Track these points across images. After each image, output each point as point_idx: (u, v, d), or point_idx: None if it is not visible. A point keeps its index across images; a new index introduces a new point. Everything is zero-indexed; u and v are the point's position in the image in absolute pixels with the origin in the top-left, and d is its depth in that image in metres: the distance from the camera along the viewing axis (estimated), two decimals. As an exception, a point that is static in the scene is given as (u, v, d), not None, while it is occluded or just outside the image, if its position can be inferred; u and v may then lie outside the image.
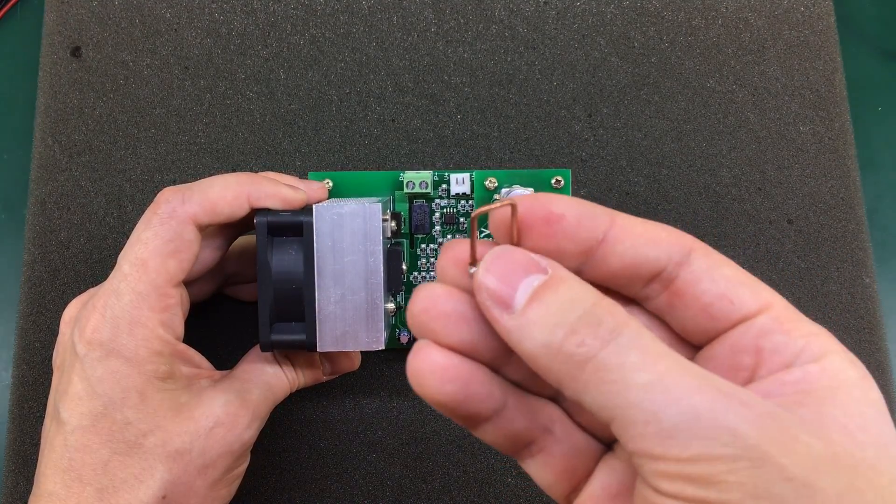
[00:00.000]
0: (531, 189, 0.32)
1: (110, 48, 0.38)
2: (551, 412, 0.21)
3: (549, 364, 0.18)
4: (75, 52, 0.38)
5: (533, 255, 0.19)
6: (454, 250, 0.20)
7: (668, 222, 0.38)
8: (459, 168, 0.36)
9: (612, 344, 0.17)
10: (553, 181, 0.33)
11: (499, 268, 0.19)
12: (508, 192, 0.33)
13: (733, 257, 0.36)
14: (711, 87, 0.38)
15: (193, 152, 0.37)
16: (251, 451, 0.31)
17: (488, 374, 0.20)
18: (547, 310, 0.18)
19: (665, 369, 0.17)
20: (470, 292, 0.19)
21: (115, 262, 0.28)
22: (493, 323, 0.19)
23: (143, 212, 0.28)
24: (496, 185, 0.33)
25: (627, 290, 0.20)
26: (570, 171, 0.34)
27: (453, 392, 0.19)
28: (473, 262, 0.20)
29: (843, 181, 0.37)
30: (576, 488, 0.21)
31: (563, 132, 0.37)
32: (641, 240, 0.19)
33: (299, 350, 0.30)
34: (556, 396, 0.22)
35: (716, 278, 0.19)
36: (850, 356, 0.19)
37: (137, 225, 0.28)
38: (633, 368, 0.17)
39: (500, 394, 0.20)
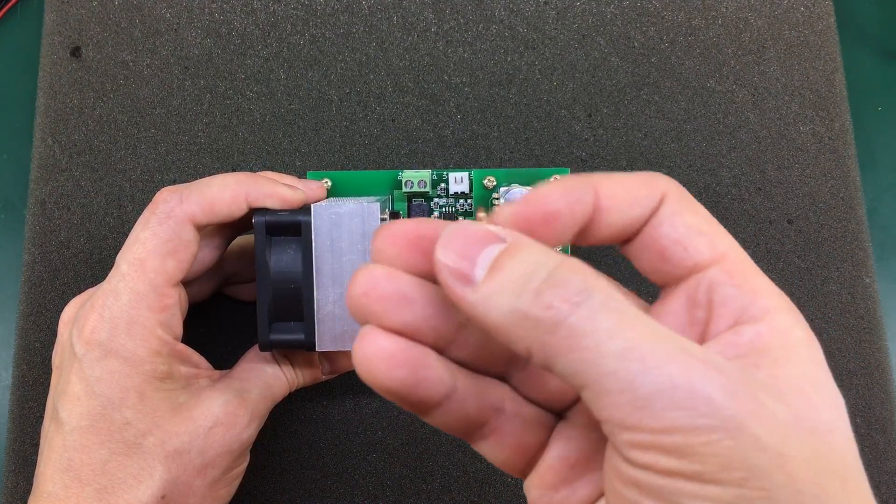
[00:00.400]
0: (530, 188, 0.32)
1: (110, 48, 0.38)
2: (501, 391, 0.21)
3: (518, 332, 0.17)
4: (75, 52, 0.38)
5: (489, 227, 0.18)
6: (391, 230, 0.19)
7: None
8: (459, 168, 0.36)
9: (583, 307, 0.17)
10: (552, 180, 0.33)
11: (455, 243, 0.18)
12: (507, 192, 0.33)
13: (733, 257, 0.36)
14: (711, 87, 0.38)
15: (193, 152, 0.37)
16: (251, 451, 0.31)
17: (436, 357, 0.19)
18: (509, 276, 0.17)
19: (639, 336, 0.16)
20: (411, 272, 0.19)
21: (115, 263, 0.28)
22: (457, 301, 0.18)
23: (143, 211, 0.28)
24: (495, 183, 0.33)
25: (609, 243, 0.20)
26: (569, 169, 0.34)
27: (403, 378, 0.18)
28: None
29: (843, 181, 0.37)
30: (530, 461, 0.21)
31: (562, 132, 0.37)
32: (626, 204, 0.19)
33: (298, 350, 0.30)
34: (503, 374, 0.21)
35: (676, 224, 0.19)
36: (796, 313, 0.19)
37: (135, 225, 0.28)
38: (606, 335, 0.16)
39: (450, 377, 0.19)
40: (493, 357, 0.20)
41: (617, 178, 0.19)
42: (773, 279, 0.39)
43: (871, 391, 0.35)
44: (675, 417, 0.16)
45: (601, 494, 0.20)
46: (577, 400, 0.21)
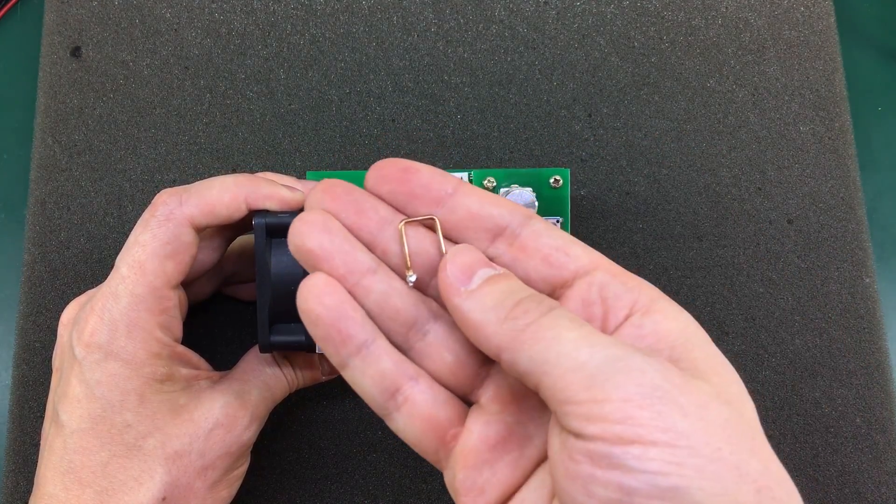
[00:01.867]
0: (529, 188, 0.32)
1: (110, 48, 0.38)
2: (415, 368, 0.24)
3: (495, 327, 0.21)
4: (75, 52, 0.38)
5: (486, 259, 0.23)
6: (324, 187, 0.24)
7: (668, 222, 0.38)
8: (459, 168, 0.36)
9: (550, 314, 0.21)
10: (551, 180, 0.33)
11: (461, 257, 0.23)
12: (507, 192, 0.33)
13: (733, 257, 0.36)
14: (711, 87, 0.38)
15: (193, 152, 0.37)
16: (251, 451, 0.31)
17: (363, 312, 0.23)
18: (498, 289, 0.22)
19: (588, 331, 0.21)
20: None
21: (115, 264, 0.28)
22: (447, 295, 0.22)
23: (142, 212, 0.28)
24: (494, 184, 0.33)
25: (477, 244, 0.24)
26: (569, 170, 0.34)
27: (329, 305, 0.23)
28: (409, 269, 0.24)
29: (843, 181, 0.37)
30: (443, 442, 0.24)
31: (562, 132, 0.37)
32: (486, 199, 0.24)
33: (298, 351, 0.30)
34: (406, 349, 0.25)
35: (553, 236, 0.23)
36: (672, 300, 0.23)
37: (135, 227, 0.28)
38: (565, 329, 0.20)
39: (371, 329, 0.23)
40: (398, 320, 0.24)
41: (481, 189, 0.24)
42: (773, 279, 0.39)
43: (871, 391, 0.35)
44: (616, 385, 0.19)
45: (519, 476, 0.23)
46: (479, 386, 0.24)
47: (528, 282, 0.23)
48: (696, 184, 0.37)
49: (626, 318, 0.22)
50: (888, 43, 0.42)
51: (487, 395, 0.24)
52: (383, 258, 0.24)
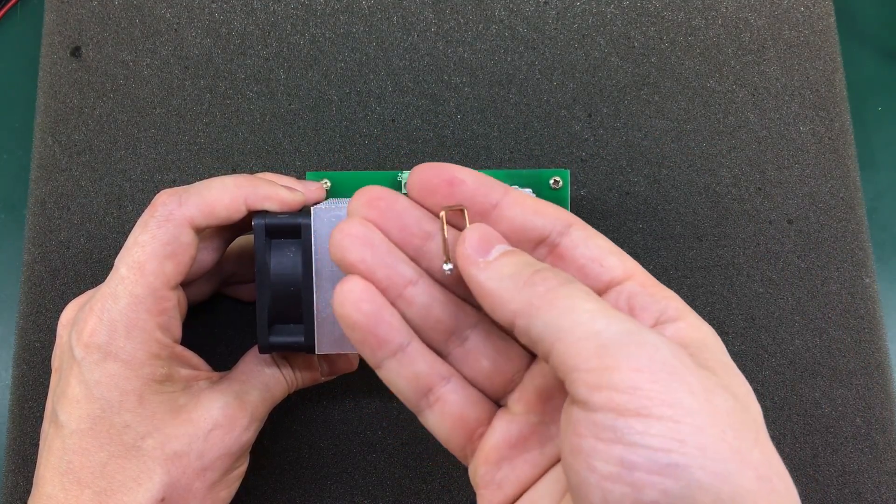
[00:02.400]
0: (529, 189, 0.32)
1: (110, 48, 0.38)
2: (448, 368, 0.25)
3: (512, 293, 0.21)
4: (75, 52, 0.38)
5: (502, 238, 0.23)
6: (364, 194, 0.24)
7: (668, 222, 0.38)
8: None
9: (568, 284, 0.21)
10: (551, 181, 0.33)
11: (480, 232, 0.23)
12: (508, 193, 0.33)
13: (733, 257, 0.36)
14: (711, 87, 0.38)
15: (193, 152, 0.37)
16: (250, 452, 0.31)
17: (398, 315, 0.24)
18: (516, 260, 0.22)
19: (605, 305, 0.21)
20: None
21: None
22: (465, 265, 0.22)
23: (142, 212, 0.28)
24: (496, 185, 0.33)
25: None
26: (569, 171, 0.34)
27: (367, 311, 0.23)
28: (448, 259, 0.24)
29: (843, 181, 0.37)
30: (471, 440, 0.24)
31: (562, 132, 0.37)
32: (530, 210, 0.24)
33: (298, 352, 0.30)
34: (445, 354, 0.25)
35: (590, 246, 0.23)
36: (698, 316, 0.23)
37: (134, 228, 0.28)
38: (581, 299, 0.21)
39: (406, 333, 0.24)
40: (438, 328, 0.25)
41: (528, 194, 0.24)
42: (773, 279, 0.39)
43: (871, 391, 0.35)
44: (629, 355, 0.19)
45: (537, 474, 0.23)
46: (511, 390, 0.25)
47: None
48: (696, 184, 0.37)
49: (652, 327, 0.22)
50: (888, 43, 0.42)
51: (514, 398, 0.25)
52: (428, 270, 0.24)
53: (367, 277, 0.23)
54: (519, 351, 0.25)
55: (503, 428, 0.24)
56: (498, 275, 0.22)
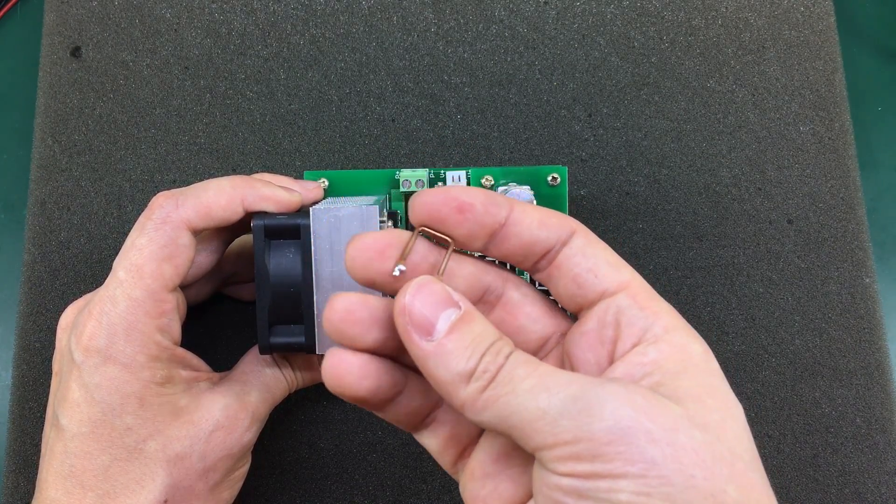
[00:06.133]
0: (527, 187, 0.32)
1: (110, 48, 0.38)
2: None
3: (456, 390, 0.21)
4: (75, 52, 0.38)
5: (448, 290, 0.22)
6: (364, 241, 0.23)
7: (668, 222, 0.38)
8: (459, 168, 0.36)
9: (506, 365, 0.21)
10: (549, 178, 0.33)
11: (424, 297, 0.22)
12: (505, 191, 0.32)
13: (733, 257, 0.36)
14: (711, 87, 0.38)
15: (193, 152, 0.37)
16: (251, 452, 0.31)
17: (392, 365, 0.23)
18: (463, 342, 0.21)
19: (543, 372, 0.21)
20: (380, 284, 0.23)
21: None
22: (410, 346, 0.21)
23: (139, 216, 0.28)
24: (492, 182, 0.33)
25: (522, 265, 0.24)
26: (567, 168, 0.34)
27: (368, 386, 0.22)
28: (402, 261, 0.23)
29: (843, 181, 0.37)
30: (461, 455, 0.24)
31: (562, 132, 0.37)
32: (535, 223, 0.23)
33: (298, 352, 0.30)
34: None
35: (587, 255, 0.23)
36: (692, 330, 0.22)
37: (132, 230, 0.28)
38: (520, 379, 0.20)
39: (402, 378, 0.23)
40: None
41: (531, 205, 0.24)
42: (773, 279, 0.39)
43: (871, 391, 0.35)
44: (579, 426, 0.19)
45: (522, 494, 0.23)
46: None
47: (557, 298, 0.24)
48: (696, 184, 0.37)
49: (634, 346, 0.22)
50: (888, 43, 0.42)
51: None
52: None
53: (374, 352, 0.23)
54: None
55: (487, 444, 0.24)
56: (444, 367, 0.21)
